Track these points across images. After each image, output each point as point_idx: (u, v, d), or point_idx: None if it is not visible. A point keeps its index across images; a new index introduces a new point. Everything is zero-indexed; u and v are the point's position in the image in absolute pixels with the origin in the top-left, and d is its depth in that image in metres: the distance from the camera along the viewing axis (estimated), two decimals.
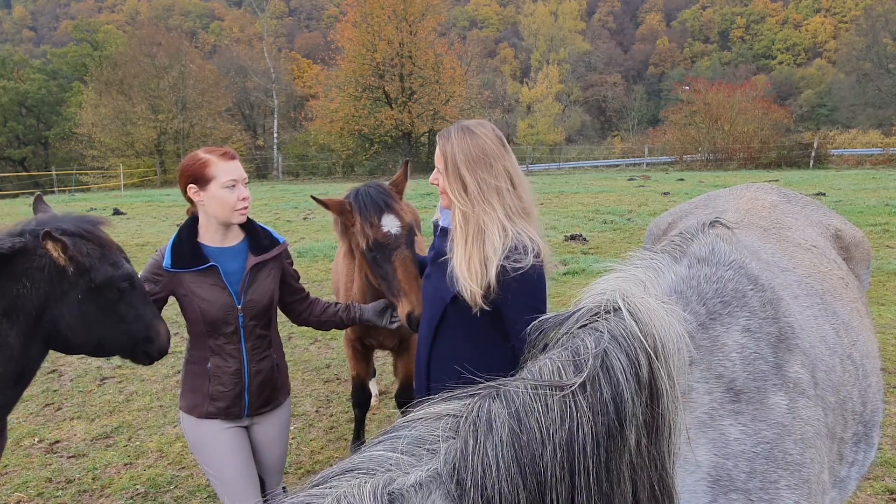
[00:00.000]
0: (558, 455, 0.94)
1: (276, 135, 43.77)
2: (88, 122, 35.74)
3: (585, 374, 1.01)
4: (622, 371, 1.02)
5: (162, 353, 2.28)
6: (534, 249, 1.97)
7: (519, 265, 1.93)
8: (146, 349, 2.23)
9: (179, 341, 5.95)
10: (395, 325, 2.77)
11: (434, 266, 2.24)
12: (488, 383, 1.04)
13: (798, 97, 63.53)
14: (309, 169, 39.77)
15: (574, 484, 0.95)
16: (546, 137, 54.26)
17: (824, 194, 16.20)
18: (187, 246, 2.37)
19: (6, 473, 3.83)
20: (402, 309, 2.60)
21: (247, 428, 2.54)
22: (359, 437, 3.89)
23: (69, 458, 4.01)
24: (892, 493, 3.41)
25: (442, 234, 2.26)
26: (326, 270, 8.95)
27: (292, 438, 4.22)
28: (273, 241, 2.52)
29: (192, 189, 2.33)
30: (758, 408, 1.44)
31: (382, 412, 4.66)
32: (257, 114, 50.94)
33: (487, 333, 2.08)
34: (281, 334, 2.69)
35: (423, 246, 3.64)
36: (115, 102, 35.94)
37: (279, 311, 2.68)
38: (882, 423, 2.10)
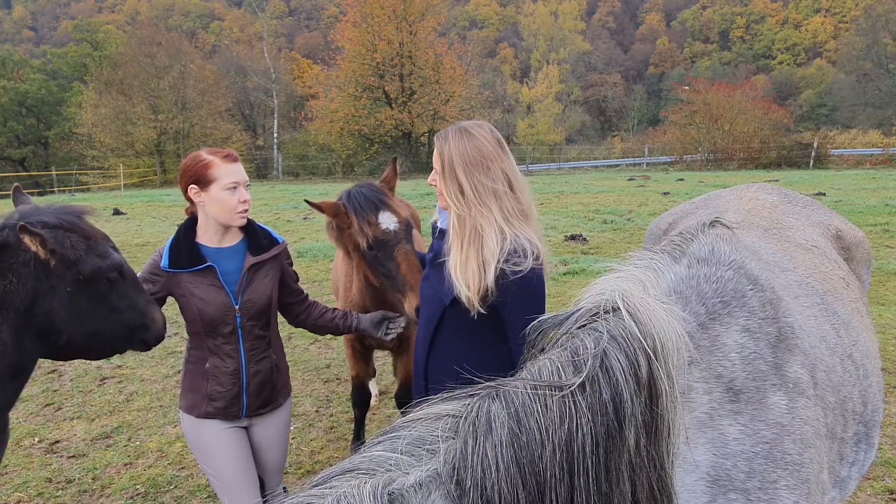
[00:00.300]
0: (558, 455, 0.94)
1: (276, 135, 43.79)
2: (88, 122, 35.76)
3: (585, 375, 1.01)
4: (621, 371, 1.02)
5: (159, 338, 2.26)
6: (533, 252, 1.95)
7: (518, 268, 1.92)
8: (143, 336, 2.21)
9: (179, 341, 5.95)
10: (390, 337, 2.74)
11: (432, 267, 2.23)
12: (488, 384, 1.04)
13: (798, 97, 63.54)
14: (309, 169, 39.79)
15: (573, 484, 0.95)
16: (546, 137, 54.26)
17: (824, 194, 16.21)
18: (185, 246, 2.37)
19: (6, 473, 3.83)
20: (410, 304, 2.58)
21: (247, 428, 2.53)
22: (359, 437, 3.89)
23: (69, 458, 4.01)
24: (892, 493, 3.42)
25: (440, 235, 2.25)
26: (326, 270, 8.96)
27: (292, 438, 4.22)
28: (272, 241, 2.51)
29: (192, 189, 2.32)
30: (757, 408, 1.44)
31: (382, 412, 4.66)
32: (257, 114, 50.96)
33: (486, 336, 2.07)
34: (281, 335, 2.68)
35: (423, 244, 3.64)
36: (115, 102, 35.96)
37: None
38: (882, 423, 2.10)
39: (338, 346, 5.88)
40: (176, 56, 38.66)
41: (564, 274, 8.40)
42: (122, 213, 16.54)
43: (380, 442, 0.97)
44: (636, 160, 40.28)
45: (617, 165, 40.04)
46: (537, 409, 0.96)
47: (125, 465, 3.92)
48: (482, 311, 1.98)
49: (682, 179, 24.57)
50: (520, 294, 1.94)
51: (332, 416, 4.59)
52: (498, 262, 1.93)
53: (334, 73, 40.44)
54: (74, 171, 34.44)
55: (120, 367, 5.44)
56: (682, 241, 1.68)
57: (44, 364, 5.41)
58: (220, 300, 2.34)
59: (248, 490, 2.41)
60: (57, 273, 1.98)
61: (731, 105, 35.85)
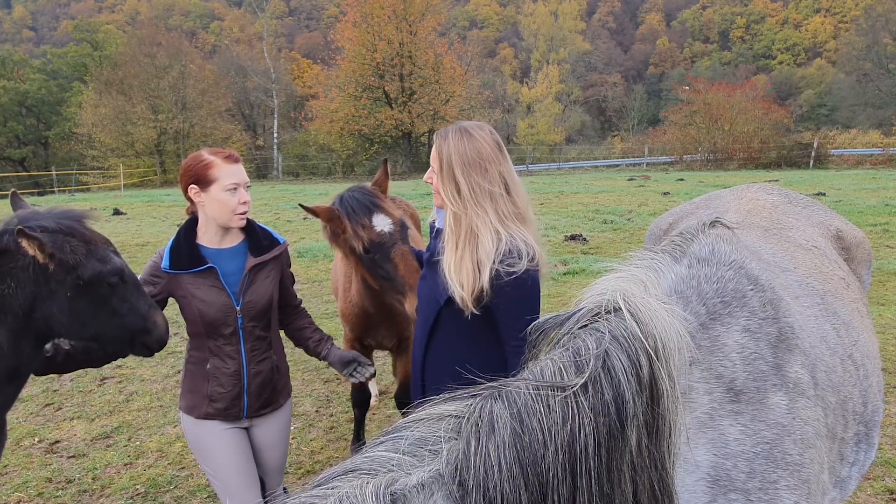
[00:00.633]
0: (560, 456, 0.94)
1: (276, 135, 43.80)
2: (88, 122, 35.77)
3: (587, 375, 1.01)
4: (623, 372, 1.02)
5: (161, 343, 2.23)
6: (528, 254, 1.95)
7: (513, 269, 1.92)
8: (145, 341, 2.18)
9: (179, 341, 5.95)
10: (354, 380, 2.62)
11: (429, 267, 2.23)
12: (490, 384, 1.04)
13: (798, 97, 63.53)
14: (309, 169, 39.80)
15: (576, 485, 0.95)
16: (546, 137, 54.25)
17: (824, 194, 16.21)
18: (185, 247, 2.36)
19: (6, 473, 3.83)
20: (410, 304, 2.57)
21: (247, 429, 2.53)
22: (359, 438, 3.89)
23: (69, 458, 4.01)
24: (892, 493, 3.42)
25: (437, 234, 2.25)
26: (326, 270, 8.95)
27: (292, 438, 4.22)
28: (273, 242, 2.50)
29: (192, 189, 2.32)
30: (757, 408, 1.44)
31: (382, 412, 4.66)
32: (257, 114, 50.97)
33: (482, 336, 2.07)
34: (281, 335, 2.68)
35: (422, 243, 3.64)
36: (115, 102, 35.97)
37: None
38: (882, 423, 2.10)
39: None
40: (176, 56, 38.67)
41: (564, 274, 8.40)
42: (122, 214, 16.53)
43: (382, 442, 0.97)
44: (636, 160, 40.28)
45: (617, 165, 40.04)
46: (540, 410, 0.96)
47: (125, 465, 3.92)
48: (476, 311, 1.98)
49: (682, 179, 24.57)
50: (513, 295, 1.94)
51: (332, 416, 4.59)
52: (493, 262, 1.93)
53: (334, 73, 40.45)
54: (74, 172, 34.45)
55: (120, 367, 5.44)
56: (683, 241, 1.68)
57: None
58: (222, 301, 2.34)
59: (248, 491, 2.41)
60: (56, 278, 1.96)
61: (731, 105, 35.86)
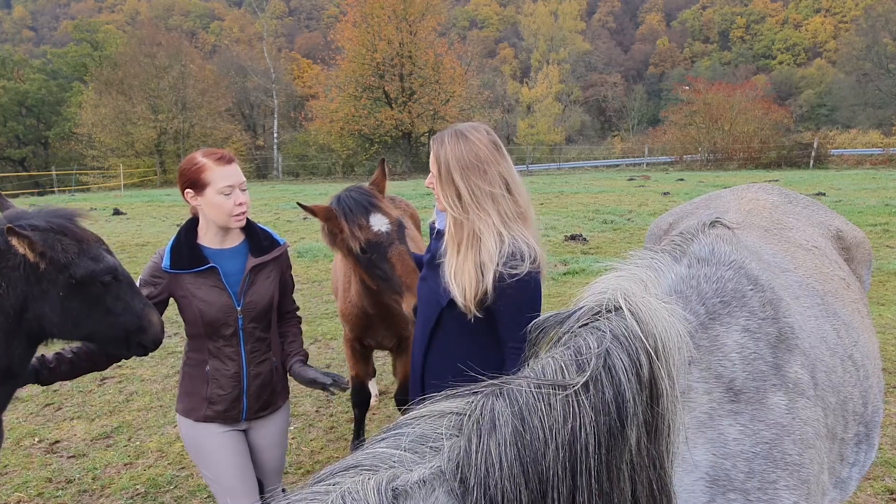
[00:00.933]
0: (561, 454, 0.95)
1: (276, 135, 43.80)
2: (88, 122, 35.76)
3: (588, 374, 1.01)
4: (624, 371, 1.03)
5: (157, 342, 2.21)
6: (531, 256, 1.95)
7: (515, 271, 1.92)
8: (140, 340, 2.15)
9: (179, 341, 5.95)
10: (329, 395, 2.49)
11: (430, 269, 2.23)
12: (491, 381, 1.04)
13: (798, 97, 63.53)
14: (309, 169, 39.81)
15: (576, 483, 0.95)
16: (546, 137, 54.24)
17: (824, 194, 16.21)
18: (187, 247, 2.34)
19: (6, 473, 3.83)
20: (407, 304, 2.56)
21: (245, 431, 2.51)
22: (359, 437, 3.90)
23: (69, 458, 4.01)
24: (892, 493, 3.42)
25: (438, 236, 2.25)
26: (326, 270, 8.96)
27: (292, 438, 4.22)
28: (273, 243, 2.49)
29: (189, 193, 2.30)
30: (757, 408, 1.44)
31: (382, 412, 4.67)
32: (257, 114, 50.97)
33: (483, 337, 2.07)
34: None
35: (422, 244, 3.64)
36: (115, 102, 35.96)
37: None
38: (882, 423, 2.10)
39: (337, 346, 5.88)
40: (176, 56, 38.67)
41: (564, 274, 8.40)
42: (122, 214, 16.54)
43: (383, 439, 0.97)
44: (636, 160, 40.28)
45: (617, 165, 40.04)
46: (541, 408, 0.97)
47: (125, 465, 3.92)
48: (477, 314, 1.98)
49: (682, 179, 24.57)
50: (515, 297, 1.94)
51: (332, 416, 4.59)
52: (497, 265, 1.93)
53: (334, 73, 40.45)
54: (74, 171, 34.46)
55: (120, 367, 5.44)
56: (683, 241, 1.68)
57: None
58: (222, 302, 2.32)
59: (246, 493, 2.39)
60: (48, 277, 1.93)
61: (731, 105, 35.86)
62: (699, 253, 1.62)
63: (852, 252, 2.50)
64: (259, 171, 40.71)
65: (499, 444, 0.93)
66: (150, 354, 2.38)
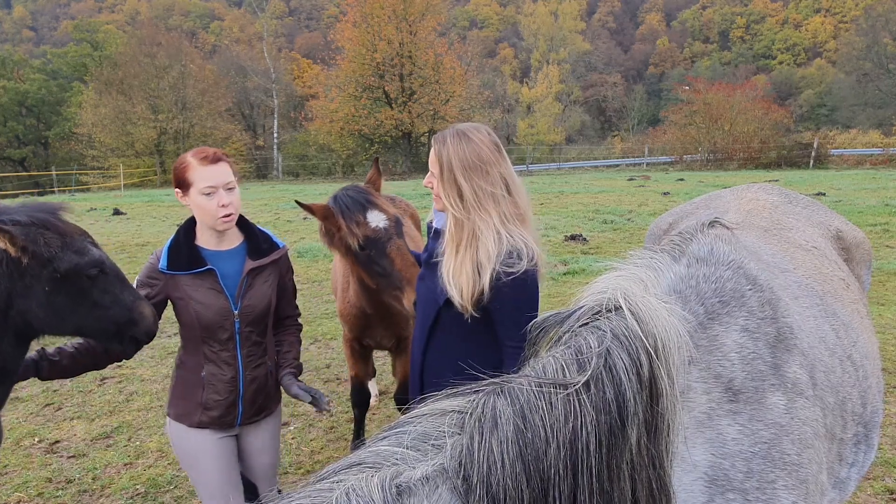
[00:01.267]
0: (562, 453, 0.95)
1: (276, 135, 43.80)
2: (88, 122, 35.76)
3: (589, 373, 1.01)
4: (625, 370, 1.03)
5: (150, 334, 2.15)
6: (528, 254, 1.95)
7: (512, 270, 1.92)
8: (133, 333, 2.10)
9: (179, 341, 5.95)
10: (301, 398, 2.40)
11: (427, 268, 2.23)
12: (492, 380, 1.04)
13: (798, 97, 63.53)
14: (309, 169, 39.81)
15: (576, 482, 0.96)
16: (546, 137, 54.25)
17: (824, 194, 16.21)
18: (184, 248, 2.29)
19: (6, 473, 3.83)
20: (408, 299, 2.55)
21: (237, 436, 2.47)
22: (359, 437, 3.90)
23: (69, 458, 4.01)
24: (892, 493, 3.42)
25: (436, 235, 2.25)
26: (326, 270, 8.96)
27: (292, 438, 4.23)
28: (272, 246, 2.43)
29: (178, 193, 2.26)
30: (756, 408, 1.45)
31: (382, 412, 4.67)
32: (257, 114, 50.96)
33: (482, 336, 2.07)
34: None
35: (420, 243, 3.64)
36: (115, 102, 35.96)
37: None
38: (882, 423, 2.10)
39: (337, 346, 5.89)
40: (176, 56, 38.66)
41: (564, 274, 8.40)
42: (122, 214, 16.53)
43: (385, 437, 0.98)
44: (636, 160, 40.28)
45: (617, 165, 40.03)
46: (542, 407, 0.97)
47: (125, 465, 3.92)
48: (474, 314, 1.98)
49: (682, 179, 24.58)
50: (512, 296, 1.94)
51: (332, 416, 4.59)
52: (494, 265, 1.94)
53: (334, 73, 40.44)
54: (74, 171, 34.46)
55: (120, 367, 5.44)
56: (682, 240, 1.68)
57: None
58: (220, 304, 2.27)
59: (232, 495, 2.37)
60: (31, 272, 1.90)
61: (731, 105, 35.86)
62: (698, 253, 1.62)
63: (852, 252, 2.50)
64: (259, 171, 40.72)
65: (500, 442, 0.93)
66: (151, 354, 2.37)
